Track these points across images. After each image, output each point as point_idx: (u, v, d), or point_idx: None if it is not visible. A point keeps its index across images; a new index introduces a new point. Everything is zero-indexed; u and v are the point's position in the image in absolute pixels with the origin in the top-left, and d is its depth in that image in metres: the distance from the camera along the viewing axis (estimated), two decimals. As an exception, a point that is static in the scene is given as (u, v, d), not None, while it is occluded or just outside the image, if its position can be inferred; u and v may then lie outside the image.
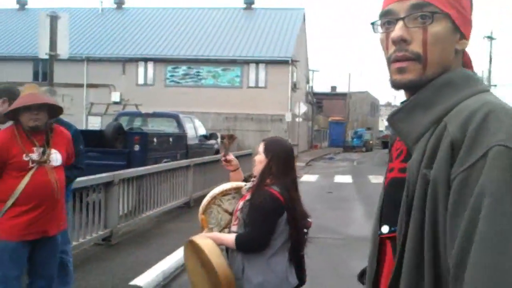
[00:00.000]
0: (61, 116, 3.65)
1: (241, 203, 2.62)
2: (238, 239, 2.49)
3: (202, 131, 14.26)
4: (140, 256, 5.81)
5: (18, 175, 3.10)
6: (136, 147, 9.60)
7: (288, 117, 28.17)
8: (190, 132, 12.83)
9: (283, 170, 2.61)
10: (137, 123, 13.13)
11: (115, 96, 29.13)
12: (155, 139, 10.41)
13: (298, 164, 20.34)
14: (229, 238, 2.54)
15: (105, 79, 29.61)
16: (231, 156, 3.07)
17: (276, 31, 31.74)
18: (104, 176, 6.27)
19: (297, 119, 28.95)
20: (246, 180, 2.95)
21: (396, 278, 1.04)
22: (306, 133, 39.43)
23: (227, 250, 2.61)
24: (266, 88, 29.28)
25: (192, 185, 9.97)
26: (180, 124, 12.66)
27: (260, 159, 2.69)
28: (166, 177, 8.69)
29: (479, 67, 41.49)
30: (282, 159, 2.65)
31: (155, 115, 13.46)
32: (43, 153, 3.18)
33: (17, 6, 38.33)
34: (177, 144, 11.60)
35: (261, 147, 2.73)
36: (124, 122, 12.37)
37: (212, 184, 11.36)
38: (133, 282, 4.77)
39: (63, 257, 3.94)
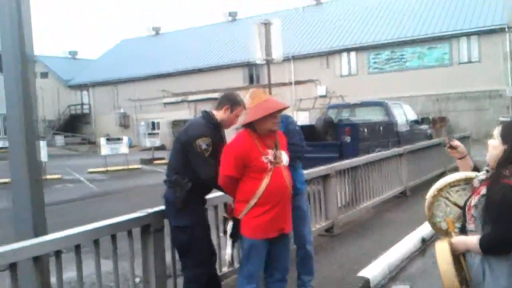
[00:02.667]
0: None
1: (475, 199, 2.34)
2: (483, 242, 2.25)
3: (412, 116, 13.72)
4: (363, 247, 5.89)
5: (259, 176, 3.28)
6: (347, 139, 9.74)
7: (510, 92, 25.15)
8: (399, 118, 12.46)
9: None
10: (345, 114, 13.25)
11: (321, 90, 29.99)
12: (365, 129, 10.41)
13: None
14: (473, 241, 2.30)
15: (310, 74, 30.72)
16: (456, 142, 2.76)
17: (487, -2, 28.59)
18: (321, 169, 6.52)
19: (521, 93, 25.62)
20: (476, 168, 2.67)
21: None
22: (534, 107, 34.55)
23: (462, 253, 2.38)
24: (479, 62, 26.64)
25: (407, 173, 9.68)
26: (388, 112, 12.39)
27: (495, 145, 2.34)
28: (379, 167, 8.62)
29: None
30: None
31: (363, 104, 13.41)
32: (275, 154, 3.38)
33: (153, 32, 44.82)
34: (387, 132, 11.40)
35: (496, 131, 2.37)
36: (333, 114, 12.65)
37: (428, 172, 10.89)
38: (360, 274, 4.86)
39: (309, 249, 4.18)
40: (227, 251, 3.50)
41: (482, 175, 2.41)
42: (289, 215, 3.50)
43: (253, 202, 3.30)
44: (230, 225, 3.41)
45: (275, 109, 3.33)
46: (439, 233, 2.63)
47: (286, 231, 3.48)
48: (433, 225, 2.63)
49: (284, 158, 3.46)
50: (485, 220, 2.27)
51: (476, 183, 2.41)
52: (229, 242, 3.46)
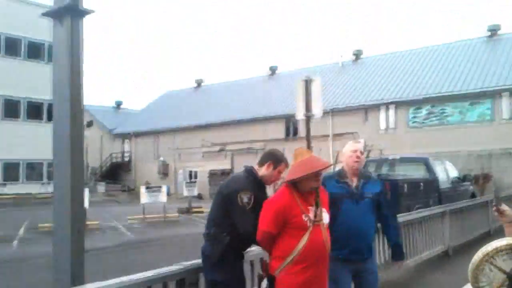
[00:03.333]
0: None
1: None
2: None
3: (454, 173, 13.41)
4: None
5: (297, 234, 3.23)
6: (387, 195, 9.56)
7: (557, 150, 24.29)
8: (441, 175, 12.20)
9: None
10: (385, 168, 13.08)
11: (360, 144, 29.78)
12: (405, 185, 10.22)
13: None
14: None
15: (349, 127, 30.68)
16: (505, 207, 2.74)
17: (531, 55, 28.25)
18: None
19: None
20: None
21: None
22: None
23: None
24: (524, 118, 26.00)
25: (449, 232, 9.36)
26: (429, 168, 12.16)
27: None
28: (420, 225, 8.38)
29: None
30: None
31: (403, 160, 13.23)
32: (316, 212, 3.34)
33: (195, 85, 46.70)
34: (428, 189, 11.15)
35: None
36: (371, 168, 12.48)
37: (472, 231, 10.50)
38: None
39: None
40: None
41: None
42: (325, 276, 3.42)
43: (289, 259, 3.25)
44: (265, 282, 3.36)
45: (318, 168, 3.33)
46: None
47: None
48: None
49: (325, 216, 3.41)
50: None
51: None
52: None
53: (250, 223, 3.43)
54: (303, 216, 3.28)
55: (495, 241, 2.56)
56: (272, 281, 3.32)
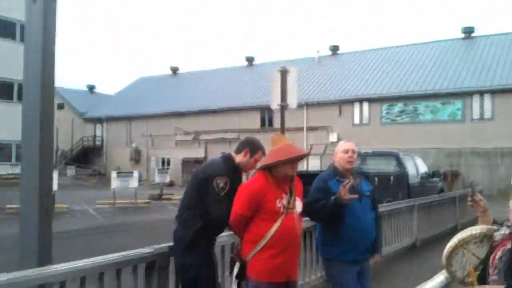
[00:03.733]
0: None
1: (500, 252, 2.46)
2: None
3: (423, 169, 13.67)
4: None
5: (271, 219, 3.27)
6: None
7: (522, 151, 25.04)
8: (411, 170, 12.42)
9: None
10: (357, 162, 13.21)
11: (333, 137, 30.08)
12: (376, 179, 10.36)
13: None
14: None
15: (323, 121, 30.94)
16: (479, 197, 2.86)
17: (502, 58, 28.95)
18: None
19: (534, 152, 25.47)
20: (496, 222, 2.77)
21: None
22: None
23: None
24: (493, 120, 26.68)
25: (417, 226, 9.57)
26: (400, 162, 12.36)
27: None
28: (389, 218, 8.53)
29: None
30: None
31: (374, 154, 13.41)
32: (289, 200, 3.37)
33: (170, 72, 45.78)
34: (398, 183, 11.34)
35: None
36: (344, 162, 12.60)
37: (439, 225, 10.75)
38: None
39: None
40: None
41: (504, 230, 2.55)
42: (296, 262, 3.47)
43: (261, 244, 3.28)
44: (237, 266, 3.38)
45: (294, 154, 3.36)
46: (456, 281, 2.76)
47: (293, 278, 3.43)
48: (450, 273, 2.74)
49: (298, 205, 3.44)
50: (508, 272, 2.37)
51: (497, 237, 2.55)
52: (234, 283, 3.41)
53: (224, 208, 3.43)
54: (277, 202, 3.30)
55: (470, 228, 2.71)
56: (244, 266, 3.34)
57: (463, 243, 2.66)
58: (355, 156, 4.01)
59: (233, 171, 3.60)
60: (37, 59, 3.94)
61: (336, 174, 4.00)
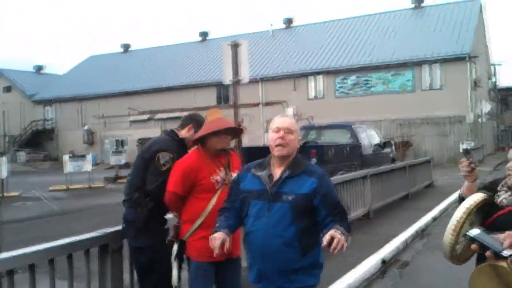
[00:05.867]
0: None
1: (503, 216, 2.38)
2: None
3: (376, 140, 14.01)
4: (324, 269, 5.88)
5: (205, 196, 3.21)
6: (313, 160, 9.83)
7: (470, 118, 26.04)
8: (364, 141, 12.71)
9: None
10: (312, 136, 13.43)
11: (289, 112, 30.27)
12: (330, 151, 10.55)
13: (485, 169, 18.59)
14: None
15: (279, 95, 31.05)
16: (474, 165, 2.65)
17: (450, 27, 29.74)
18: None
19: (480, 120, 26.56)
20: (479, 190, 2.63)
21: None
22: (492, 134, 35.90)
23: None
24: (441, 89, 27.53)
25: (370, 195, 9.82)
26: (354, 134, 12.63)
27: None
28: (343, 189, 8.71)
29: None
30: None
31: (329, 127, 13.63)
32: (226, 174, 3.32)
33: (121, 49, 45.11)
34: (352, 154, 11.59)
35: (510, 154, 2.44)
36: (299, 136, 12.75)
37: (391, 194, 11.07)
38: (321, 295, 4.83)
39: None
40: (173, 274, 3.37)
41: (503, 193, 2.48)
42: (237, 238, 3.35)
43: (198, 223, 3.23)
44: (175, 246, 3.34)
45: (219, 127, 3.29)
46: (454, 258, 2.52)
47: (234, 255, 3.36)
48: (453, 251, 2.45)
49: None
50: None
51: (504, 202, 2.45)
52: (174, 264, 3.36)
53: (160, 182, 3.37)
54: (211, 178, 3.26)
55: (471, 196, 2.49)
56: (181, 246, 3.31)
57: (469, 212, 2.41)
58: (291, 137, 2.73)
59: (179, 147, 3.55)
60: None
61: (261, 163, 2.83)
